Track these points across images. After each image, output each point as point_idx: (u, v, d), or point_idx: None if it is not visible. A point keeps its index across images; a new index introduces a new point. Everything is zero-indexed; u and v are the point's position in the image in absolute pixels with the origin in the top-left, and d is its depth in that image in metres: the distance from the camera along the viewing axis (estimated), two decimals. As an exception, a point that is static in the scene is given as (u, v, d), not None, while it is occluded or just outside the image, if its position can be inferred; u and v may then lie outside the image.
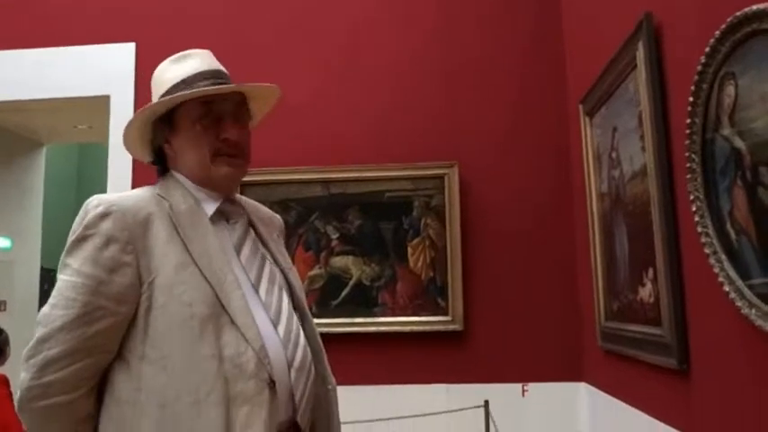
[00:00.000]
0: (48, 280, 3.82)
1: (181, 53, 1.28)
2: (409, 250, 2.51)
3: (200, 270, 1.11)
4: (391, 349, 2.47)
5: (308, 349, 1.21)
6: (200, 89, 1.19)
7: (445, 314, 2.45)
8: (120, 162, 2.63)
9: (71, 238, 1.11)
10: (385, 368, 2.46)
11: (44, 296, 3.82)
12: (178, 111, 1.21)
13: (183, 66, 1.24)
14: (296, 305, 1.27)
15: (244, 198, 1.38)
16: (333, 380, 1.29)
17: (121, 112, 2.56)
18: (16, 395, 1.09)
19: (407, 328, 2.46)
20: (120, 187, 2.63)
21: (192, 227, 1.16)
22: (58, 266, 1.12)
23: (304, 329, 1.24)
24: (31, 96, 2.78)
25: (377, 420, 2.31)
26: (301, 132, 2.62)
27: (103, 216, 1.10)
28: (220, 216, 1.24)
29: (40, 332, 1.07)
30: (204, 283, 1.10)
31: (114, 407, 1.08)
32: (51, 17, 2.81)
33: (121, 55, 2.71)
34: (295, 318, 1.23)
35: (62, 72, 2.74)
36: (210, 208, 1.22)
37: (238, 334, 1.09)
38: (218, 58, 1.32)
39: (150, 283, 1.09)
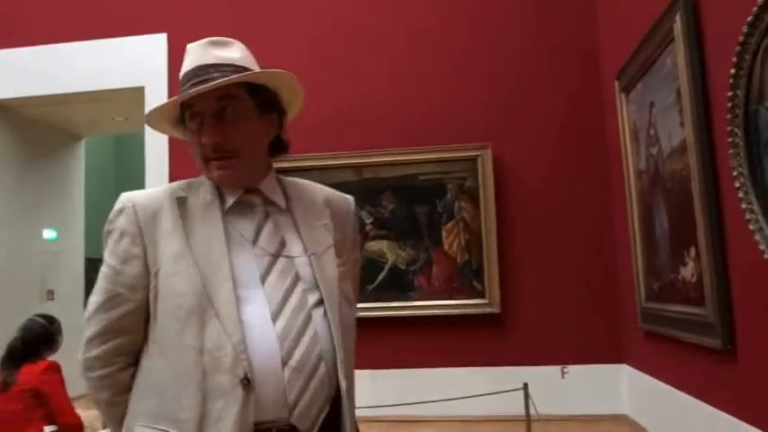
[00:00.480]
0: (91, 269, 3.94)
1: (216, 38, 1.24)
2: (443, 233, 2.51)
3: (195, 261, 1.13)
4: (428, 333, 2.48)
5: (317, 347, 1.14)
6: (164, 104, 1.22)
7: (482, 297, 2.44)
8: (156, 152, 2.68)
9: (104, 232, 1.21)
10: (422, 352, 2.47)
11: (88, 285, 3.94)
12: (183, 109, 1.21)
13: (184, 65, 1.23)
14: (321, 300, 1.19)
15: (300, 182, 1.33)
16: (344, 383, 1.16)
17: (156, 103, 2.56)
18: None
19: (443, 312, 2.46)
20: (158, 176, 2.68)
21: (199, 219, 1.18)
22: None
23: (327, 324, 1.17)
24: (69, 90, 2.86)
25: (415, 404, 2.32)
26: (332, 117, 2.62)
27: (119, 212, 1.19)
28: (241, 206, 1.21)
29: (85, 314, 1.20)
30: (196, 274, 1.12)
31: (138, 382, 1.18)
32: (85, 11, 2.86)
33: (154, 46, 2.74)
34: (304, 312, 1.15)
35: (97, 65, 2.79)
36: (230, 200, 1.21)
37: (220, 327, 1.09)
38: (249, 47, 1.26)
39: (156, 274, 1.15)
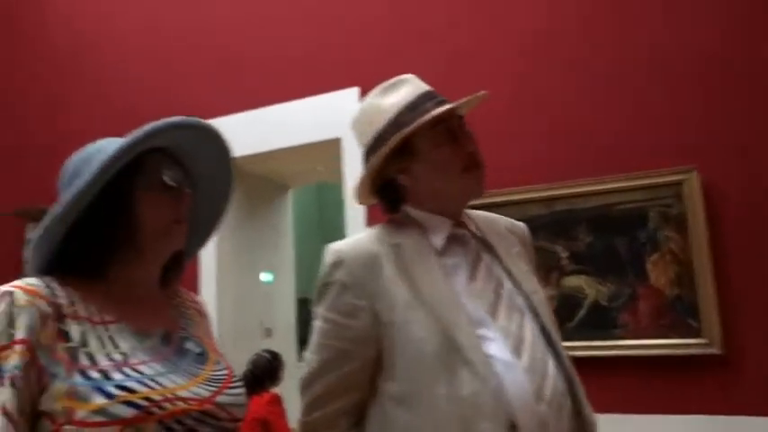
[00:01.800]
0: (302, 309, 4.27)
1: (387, 83, 1.27)
2: (649, 266, 2.31)
3: (430, 308, 1.09)
4: (636, 374, 2.28)
5: (559, 379, 1.11)
6: (443, 107, 1.18)
7: (698, 336, 2.19)
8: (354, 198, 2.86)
9: (317, 286, 1.19)
10: (630, 395, 2.27)
11: (299, 324, 4.26)
12: (415, 136, 1.19)
13: (399, 92, 1.23)
14: (543, 329, 1.17)
15: (480, 213, 1.33)
16: (593, 417, 1.15)
17: (351, 151, 2.78)
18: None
19: (654, 352, 2.25)
20: (358, 220, 2.85)
21: (420, 263, 1.15)
22: (313, 313, 1.21)
23: (555, 356, 1.15)
24: (276, 146, 3.19)
25: (627, 452, 2.13)
26: (518, 151, 2.58)
27: (336, 265, 1.15)
28: (451, 243, 1.21)
29: (304, 374, 1.17)
30: (434, 321, 1.08)
31: None
32: (287, 75, 3.19)
33: (347, 99, 2.95)
34: (542, 344, 1.14)
35: (299, 122, 3.08)
36: (440, 237, 1.20)
37: (473, 373, 1.04)
38: (438, 87, 1.30)
39: (386, 324, 1.10)
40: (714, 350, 2.16)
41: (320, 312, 1.17)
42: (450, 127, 1.20)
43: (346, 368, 1.12)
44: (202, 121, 1.10)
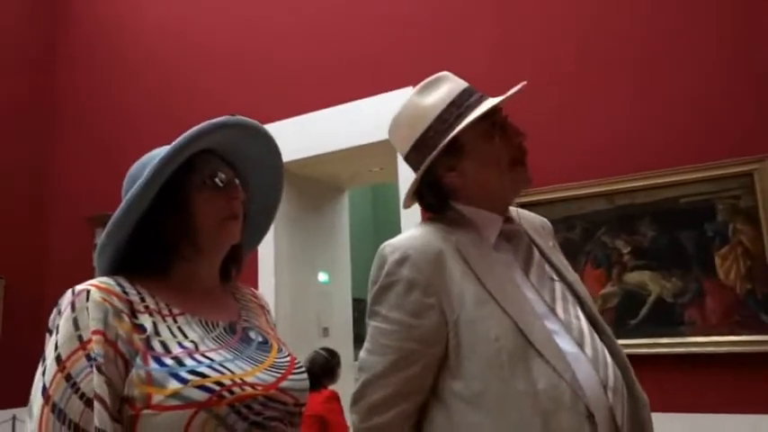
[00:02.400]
0: (357, 309, 4.30)
1: (425, 82, 1.25)
2: (717, 260, 2.21)
3: (499, 303, 1.07)
4: (705, 372, 2.19)
5: (616, 366, 1.12)
6: (491, 102, 1.17)
7: (773, 332, 2.09)
8: (408, 197, 2.86)
9: (374, 286, 1.15)
10: (700, 394, 2.18)
11: (355, 323, 4.30)
12: (463, 133, 1.17)
13: (439, 91, 1.22)
14: (589, 318, 1.18)
15: (516, 210, 1.30)
16: (645, 396, 1.17)
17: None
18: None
19: (724, 349, 2.15)
20: (412, 222, 2.84)
21: (480, 258, 1.13)
22: (367, 313, 1.16)
23: (605, 344, 1.15)
24: (332, 149, 3.22)
25: (697, 454, 2.05)
26: (577, 144, 2.53)
27: (401, 262, 1.11)
28: (502, 238, 1.20)
29: (362, 378, 1.12)
30: (505, 316, 1.06)
31: None
32: (335, 78, 3.22)
33: (401, 100, 2.95)
34: (595, 334, 1.14)
35: (352, 124, 3.11)
36: (492, 232, 1.19)
37: (548, 366, 1.03)
38: (476, 85, 1.29)
39: (455, 322, 1.07)
40: (790, 348, 2.05)
41: (382, 312, 1.12)
42: (496, 121, 1.19)
43: (412, 370, 1.08)
44: (246, 118, 1.13)
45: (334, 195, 4.21)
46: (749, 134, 2.23)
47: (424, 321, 1.08)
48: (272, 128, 3.33)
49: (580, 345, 1.09)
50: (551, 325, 1.10)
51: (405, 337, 1.08)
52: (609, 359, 1.11)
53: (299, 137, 3.29)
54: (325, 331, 3.88)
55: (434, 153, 1.18)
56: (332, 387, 3.03)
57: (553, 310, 1.13)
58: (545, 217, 1.42)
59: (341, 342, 3.91)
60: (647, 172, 2.35)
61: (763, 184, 2.15)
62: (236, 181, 1.12)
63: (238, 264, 1.20)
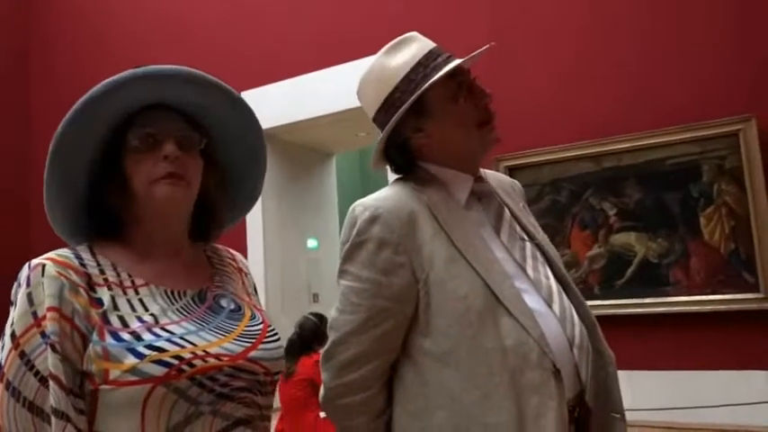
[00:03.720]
0: (347, 273, 4.31)
1: (393, 42, 1.24)
2: (702, 221, 2.24)
3: (469, 262, 1.09)
4: (689, 331, 2.23)
5: (581, 323, 1.15)
6: (456, 62, 1.16)
7: (755, 291, 2.13)
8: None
9: (345, 245, 1.15)
10: (684, 352, 2.24)
11: (346, 288, 4.29)
12: (428, 93, 1.16)
13: (409, 50, 1.20)
14: (558, 278, 1.20)
15: (484, 171, 1.30)
16: (610, 352, 1.19)
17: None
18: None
19: (708, 308, 2.20)
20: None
21: (451, 217, 1.14)
22: (338, 272, 1.17)
23: (571, 302, 1.17)
24: (318, 114, 3.19)
25: (682, 408, 2.11)
26: (564, 108, 2.52)
27: (372, 221, 1.11)
28: (473, 198, 1.21)
29: (332, 336, 1.14)
30: (474, 275, 1.08)
31: (406, 400, 1.11)
32: (321, 42, 3.17)
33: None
34: (563, 292, 1.17)
35: (339, 88, 3.06)
36: (463, 192, 1.19)
37: (516, 324, 1.05)
38: (473, 45, 1.27)
39: (425, 281, 1.08)
40: (772, 305, 2.10)
41: (353, 271, 1.13)
42: (462, 82, 1.18)
43: (383, 328, 1.09)
44: (173, 67, 1.01)
45: (322, 161, 4.19)
46: (734, 95, 2.23)
47: (394, 279, 1.09)
48: (258, 93, 3.31)
49: (548, 303, 1.11)
50: (521, 283, 1.12)
51: (376, 294, 1.09)
52: (576, 317, 1.14)
53: (286, 102, 3.25)
54: (315, 297, 3.90)
55: (399, 113, 1.17)
56: (322, 351, 3.07)
57: (523, 269, 1.14)
58: (534, 179, 1.43)
59: (331, 307, 3.93)
60: (634, 134, 2.36)
61: (747, 144, 2.16)
62: (183, 135, 1.01)
63: (218, 225, 1.13)
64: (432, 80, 1.15)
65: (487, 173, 1.32)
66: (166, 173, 0.98)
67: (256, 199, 1.21)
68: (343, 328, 1.12)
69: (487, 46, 1.21)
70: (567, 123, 2.50)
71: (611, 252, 2.37)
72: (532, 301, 1.10)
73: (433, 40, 1.32)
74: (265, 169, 1.17)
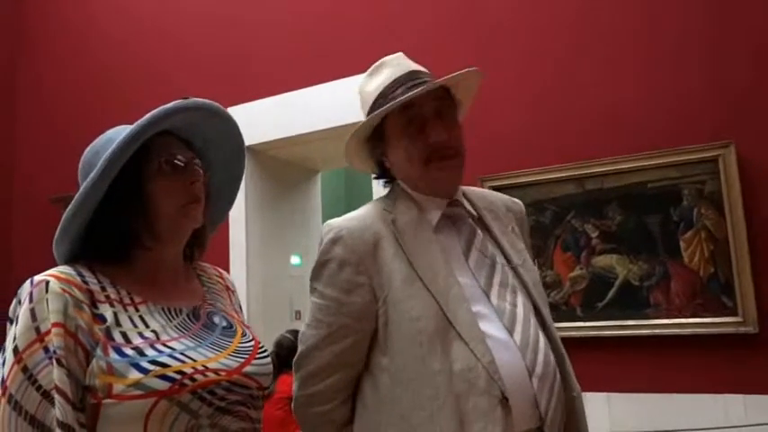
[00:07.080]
0: (330, 291, 4.29)
1: (375, 64, 1.29)
2: (682, 244, 2.27)
3: (425, 284, 1.11)
4: (669, 354, 2.25)
5: (551, 354, 1.14)
6: (391, 104, 1.17)
7: (734, 315, 2.15)
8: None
9: (316, 263, 1.21)
10: (662, 374, 2.25)
11: (328, 305, 4.26)
12: (386, 124, 1.21)
13: (379, 77, 1.25)
14: (533, 304, 1.20)
15: (476, 190, 1.33)
16: (577, 386, 1.19)
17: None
18: None
19: (688, 331, 2.22)
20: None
21: (416, 239, 1.16)
22: (309, 289, 1.23)
23: (545, 332, 1.17)
24: (304, 131, 3.20)
25: None
26: (547, 129, 2.55)
27: (335, 241, 1.16)
28: (446, 220, 1.22)
29: (300, 348, 1.20)
30: (429, 297, 1.10)
31: (365, 414, 1.15)
32: (308, 59, 3.18)
33: (374, 82, 2.93)
34: (533, 321, 1.16)
35: (325, 106, 3.08)
36: (435, 215, 1.21)
37: (466, 348, 1.06)
38: (456, 66, 1.28)
39: (384, 299, 1.12)
40: (750, 329, 2.12)
41: (318, 288, 1.18)
42: (415, 115, 1.18)
43: (343, 343, 1.14)
44: (201, 99, 1.09)
45: (308, 177, 4.19)
46: (714, 121, 2.28)
47: (354, 298, 1.13)
48: (244, 109, 3.31)
49: (510, 330, 1.11)
50: (482, 309, 1.12)
51: (337, 312, 1.14)
52: (541, 346, 1.13)
53: (272, 118, 3.25)
54: (298, 314, 3.88)
55: (354, 139, 1.24)
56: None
57: (487, 295, 1.14)
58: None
59: (313, 324, 3.90)
60: (617, 157, 2.39)
61: (727, 169, 2.20)
62: (196, 161, 1.08)
63: (202, 244, 1.18)
64: (373, 115, 1.20)
65: (476, 192, 1.33)
66: (196, 197, 1.04)
67: (229, 210, 1.26)
68: (308, 341, 1.18)
69: (459, 73, 1.20)
70: (551, 145, 2.53)
71: (592, 274, 2.39)
72: (490, 327, 1.10)
73: (417, 60, 1.34)
74: (239, 185, 1.21)
